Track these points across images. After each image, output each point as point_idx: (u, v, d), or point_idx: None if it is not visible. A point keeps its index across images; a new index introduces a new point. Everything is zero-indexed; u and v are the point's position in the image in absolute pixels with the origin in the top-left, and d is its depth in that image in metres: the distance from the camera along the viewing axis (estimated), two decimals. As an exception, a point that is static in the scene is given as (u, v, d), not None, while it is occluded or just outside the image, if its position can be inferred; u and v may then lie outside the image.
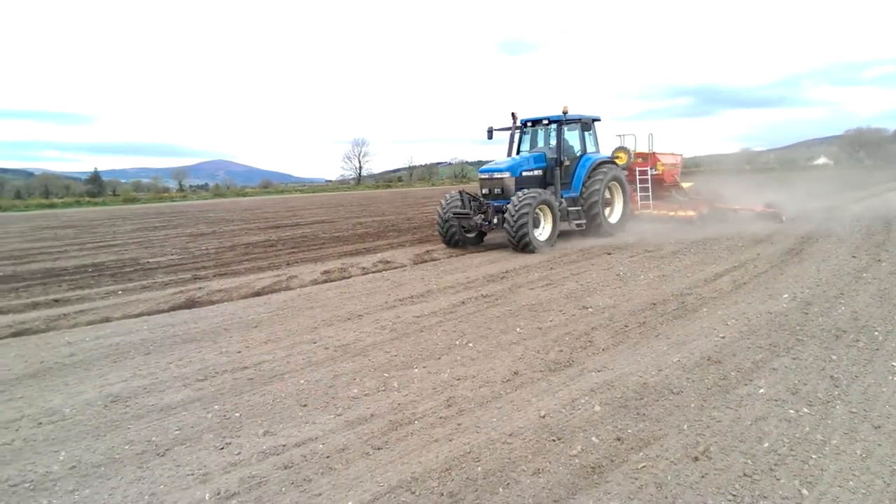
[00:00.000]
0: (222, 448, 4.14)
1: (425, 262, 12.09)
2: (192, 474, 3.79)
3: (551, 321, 7.05)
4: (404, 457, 3.93)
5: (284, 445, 4.13)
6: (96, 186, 79.23)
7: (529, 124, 14.82)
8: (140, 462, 3.98)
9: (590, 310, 7.50)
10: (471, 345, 6.26)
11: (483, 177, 13.57)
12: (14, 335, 7.50)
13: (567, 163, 13.90)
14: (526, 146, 14.94)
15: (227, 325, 7.48)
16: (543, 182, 13.83)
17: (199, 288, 10.01)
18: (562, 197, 13.54)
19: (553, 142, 14.11)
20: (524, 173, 13.45)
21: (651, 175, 16.50)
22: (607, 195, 14.47)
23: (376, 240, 16.38)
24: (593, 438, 4.06)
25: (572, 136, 14.52)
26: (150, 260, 14.16)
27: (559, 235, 13.30)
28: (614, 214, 14.86)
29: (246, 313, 8.13)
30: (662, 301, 7.78)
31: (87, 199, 64.22)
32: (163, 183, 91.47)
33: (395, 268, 11.50)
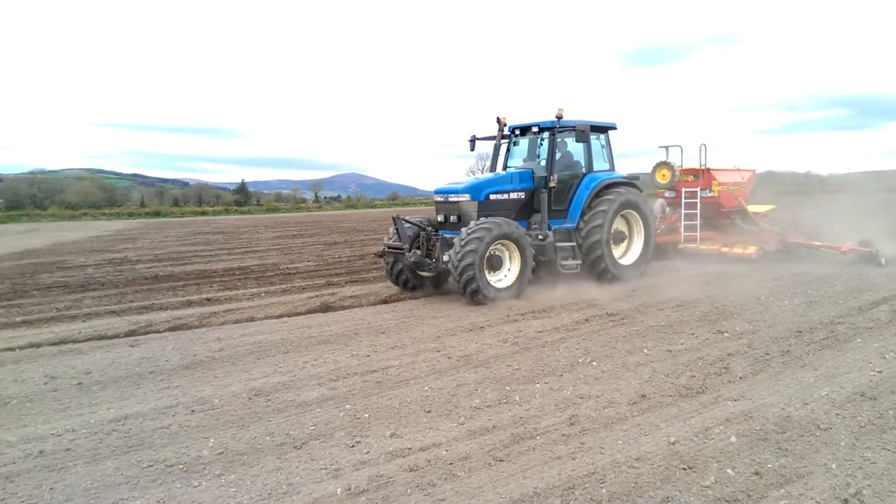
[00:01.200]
0: (353, 446, 4.35)
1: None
2: (325, 469, 4.02)
3: (682, 344, 6.72)
4: (526, 471, 3.91)
5: (410, 448, 4.27)
6: (243, 196, 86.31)
7: (518, 132, 11.48)
8: (279, 453, 4.29)
9: (725, 334, 7.05)
10: (595, 364, 6.11)
11: (437, 199, 10.50)
12: (171, 329, 8.36)
13: (556, 184, 10.45)
14: (518, 161, 11.63)
15: (357, 330, 7.86)
16: (529, 208, 10.59)
17: (332, 294, 10.61)
18: (550, 229, 10.34)
19: (545, 155, 10.80)
20: (492, 196, 10.12)
21: (702, 198, 13.08)
22: (621, 228, 11.25)
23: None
24: (728, 470, 3.81)
25: (576, 150, 11.25)
26: (289, 266, 15.25)
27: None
28: (630, 253, 11.40)
29: (374, 319, 8.50)
30: (809, 329, 7.14)
31: (235, 207, 70.36)
32: (301, 194, 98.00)
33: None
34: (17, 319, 9.26)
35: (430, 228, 10.24)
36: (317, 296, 10.45)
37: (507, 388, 5.49)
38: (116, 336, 8.03)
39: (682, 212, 13.22)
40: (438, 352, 6.70)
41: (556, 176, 10.45)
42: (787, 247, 12.60)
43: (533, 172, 10.66)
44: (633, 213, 11.18)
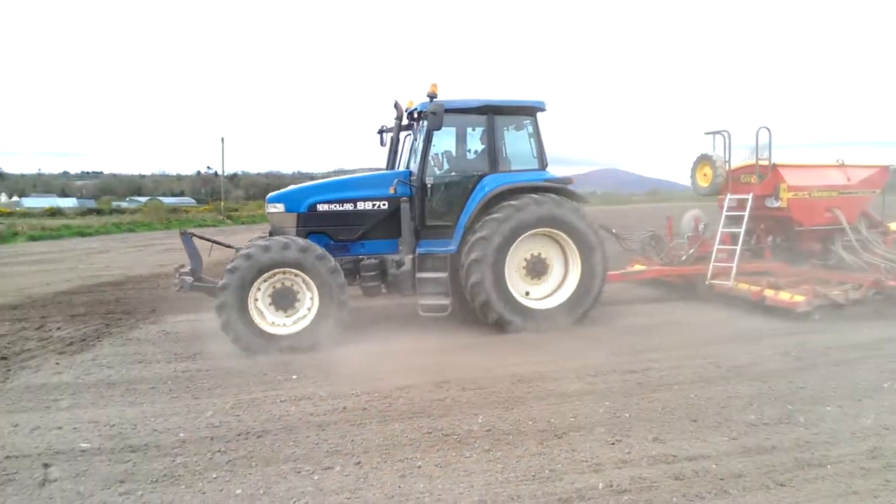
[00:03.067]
0: (613, 444, 4.34)
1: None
2: (586, 461, 4.08)
3: None
4: (813, 501, 3.49)
5: (675, 456, 4.11)
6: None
7: (416, 116, 8.42)
8: (541, 439, 4.47)
9: None
10: (907, 391, 5.14)
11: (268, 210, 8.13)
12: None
13: (429, 186, 7.80)
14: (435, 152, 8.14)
15: (623, 327, 7.77)
16: (397, 224, 7.76)
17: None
18: (419, 252, 7.64)
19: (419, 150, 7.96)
20: (320, 207, 7.70)
21: (768, 209, 9.05)
22: (542, 254, 7.94)
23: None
24: None
25: (475, 140, 8.29)
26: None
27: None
28: (561, 292, 7.95)
29: (637, 318, 8.31)
30: None
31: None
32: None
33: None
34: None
35: (235, 247, 7.85)
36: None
37: (790, 406, 4.93)
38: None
39: (720, 230, 9.19)
40: (705, 359, 6.28)
41: (431, 178, 7.85)
42: (885, 291, 8.05)
43: (411, 174, 7.91)
44: (562, 234, 7.76)
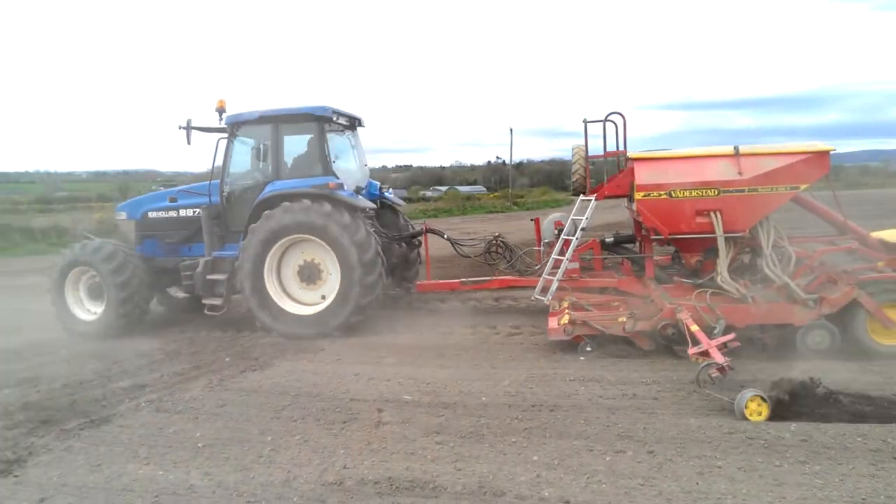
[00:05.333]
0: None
1: None
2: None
3: None
4: None
5: None
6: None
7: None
8: (874, 459, 3.83)
9: None
10: None
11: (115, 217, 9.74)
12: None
13: (227, 195, 8.40)
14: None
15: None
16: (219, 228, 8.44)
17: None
18: (214, 255, 8.19)
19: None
20: (150, 215, 8.75)
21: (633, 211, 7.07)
22: (315, 260, 7.80)
23: None
24: None
25: (294, 150, 8.39)
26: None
27: None
28: (329, 300, 7.65)
29: None
30: None
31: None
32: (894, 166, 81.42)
33: None
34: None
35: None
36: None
37: None
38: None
39: (561, 237, 7.47)
40: None
41: (227, 187, 8.39)
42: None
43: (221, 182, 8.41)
44: (321, 241, 7.58)
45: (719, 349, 5.23)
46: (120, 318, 7.98)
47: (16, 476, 4.16)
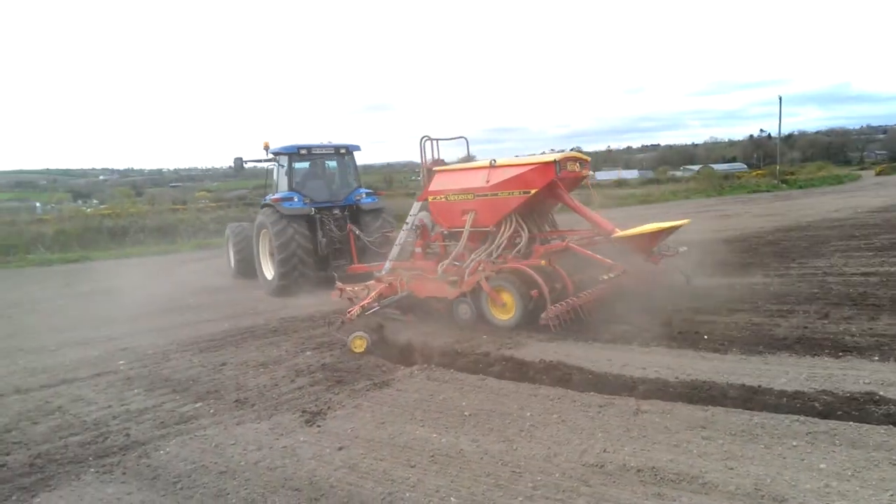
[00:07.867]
0: None
1: None
2: None
3: None
4: None
5: None
6: None
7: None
8: None
9: None
10: None
11: None
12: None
13: None
14: None
15: None
16: None
17: None
18: None
19: None
20: None
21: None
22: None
23: None
24: None
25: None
26: None
27: None
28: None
29: None
30: None
31: None
32: None
33: None
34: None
35: None
36: None
37: None
38: None
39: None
40: None
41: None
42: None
43: None
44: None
45: (363, 309, 7.78)
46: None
47: (318, 426, 4.94)
